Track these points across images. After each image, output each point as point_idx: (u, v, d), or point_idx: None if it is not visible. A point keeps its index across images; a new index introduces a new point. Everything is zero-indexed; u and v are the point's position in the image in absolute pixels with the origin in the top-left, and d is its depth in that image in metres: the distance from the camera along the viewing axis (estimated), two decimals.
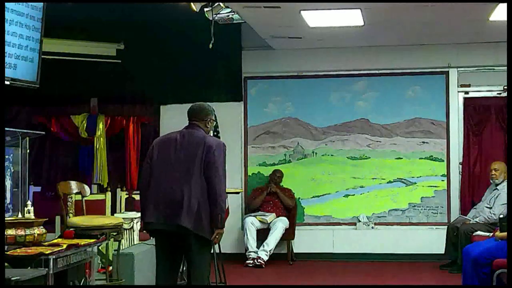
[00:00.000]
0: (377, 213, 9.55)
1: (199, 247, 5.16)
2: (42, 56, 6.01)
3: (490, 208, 8.34)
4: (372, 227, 9.50)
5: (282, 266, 8.92)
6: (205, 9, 7.14)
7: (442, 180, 9.45)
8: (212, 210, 5.12)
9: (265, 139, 9.77)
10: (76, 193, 7.48)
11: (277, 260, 9.04)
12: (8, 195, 5.57)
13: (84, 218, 6.60)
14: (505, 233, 6.28)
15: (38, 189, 9.42)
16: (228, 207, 9.50)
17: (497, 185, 8.47)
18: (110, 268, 6.70)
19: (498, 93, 9.33)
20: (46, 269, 4.25)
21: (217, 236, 5.18)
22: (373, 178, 9.60)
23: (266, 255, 8.91)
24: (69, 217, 7.73)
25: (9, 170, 5.63)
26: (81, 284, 4.92)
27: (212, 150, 5.18)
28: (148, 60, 9.43)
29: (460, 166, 9.40)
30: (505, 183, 8.37)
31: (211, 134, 6.24)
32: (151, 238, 5.24)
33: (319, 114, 9.69)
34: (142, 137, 9.58)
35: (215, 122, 5.74)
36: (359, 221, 9.53)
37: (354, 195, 9.62)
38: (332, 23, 8.05)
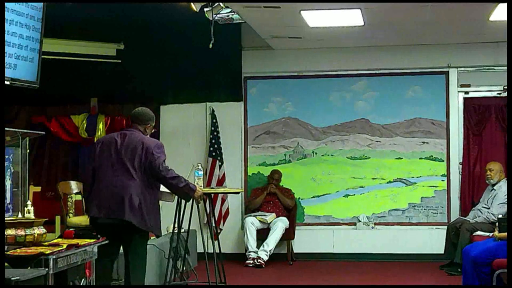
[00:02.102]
0: (377, 213, 9.55)
1: (140, 238, 5.76)
2: (42, 56, 5.99)
3: (488, 208, 8.35)
4: (372, 227, 9.50)
5: (282, 266, 8.92)
6: (205, 9, 7.14)
7: (442, 180, 9.45)
8: (176, 190, 5.88)
9: (265, 139, 9.77)
10: (76, 193, 7.48)
11: (277, 260, 9.05)
12: (8, 195, 5.56)
13: (84, 218, 6.60)
14: (504, 233, 6.29)
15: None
16: (228, 207, 9.55)
17: (493, 185, 8.48)
18: None
19: (498, 93, 9.33)
20: (46, 269, 4.25)
21: (199, 199, 6.19)
22: (373, 178, 9.61)
23: (266, 255, 8.91)
24: (69, 217, 7.74)
25: (9, 170, 5.62)
26: (81, 284, 4.92)
27: (150, 150, 5.69)
28: (148, 60, 9.43)
29: (460, 166, 9.40)
30: (501, 183, 8.40)
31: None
32: (95, 232, 5.56)
33: (319, 114, 9.69)
34: None
35: (153, 130, 6.19)
36: (359, 221, 9.53)
37: (354, 195, 9.63)
38: (332, 23, 8.05)
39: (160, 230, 5.95)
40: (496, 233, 6.50)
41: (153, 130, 6.15)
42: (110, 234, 5.53)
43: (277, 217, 9.21)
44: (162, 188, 6.25)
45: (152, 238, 7.67)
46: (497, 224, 6.74)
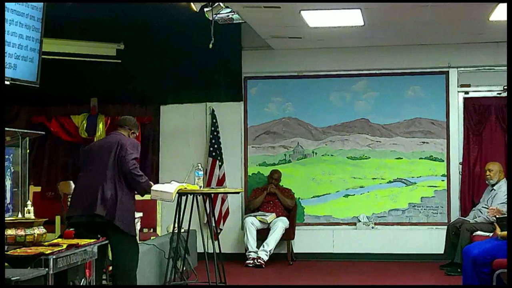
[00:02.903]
0: (377, 213, 9.55)
1: (118, 237, 5.78)
2: (42, 56, 6.00)
3: (488, 208, 8.34)
4: (372, 227, 9.50)
5: (282, 266, 8.92)
6: (205, 9, 7.14)
7: (442, 180, 9.45)
8: (137, 185, 5.89)
9: (265, 139, 9.77)
10: None
11: (277, 260, 9.05)
12: (8, 195, 5.56)
13: None
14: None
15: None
16: (228, 207, 9.55)
17: (493, 185, 8.48)
18: (110, 268, 6.70)
19: (498, 93, 9.33)
20: (46, 269, 4.24)
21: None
22: (373, 178, 9.61)
23: (266, 255, 8.91)
24: None
25: (9, 170, 5.62)
26: (81, 284, 4.92)
27: (124, 147, 5.85)
28: (148, 60, 9.43)
29: (460, 166, 9.40)
30: (501, 183, 8.39)
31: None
32: (75, 232, 5.56)
33: (319, 114, 9.69)
34: (142, 137, 9.56)
35: (135, 139, 6.31)
36: (359, 221, 9.53)
37: (354, 195, 9.63)
38: (332, 23, 8.05)
39: (132, 228, 5.97)
40: (498, 231, 6.47)
41: (135, 138, 6.27)
42: (88, 233, 5.62)
43: (277, 217, 9.21)
44: (159, 188, 6.25)
45: (152, 238, 7.67)
46: (495, 223, 6.73)
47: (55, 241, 4.91)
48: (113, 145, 5.91)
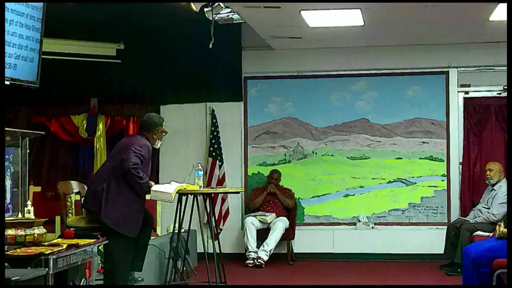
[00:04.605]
0: (377, 213, 9.55)
1: (107, 234, 5.71)
2: (42, 56, 6.00)
3: (488, 208, 8.34)
4: (372, 227, 9.50)
5: (282, 266, 8.92)
6: (205, 9, 7.15)
7: (442, 180, 9.45)
8: (135, 184, 5.92)
9: (265, 139, 9.77)
10: (76, 193, 7.47)
11: (277, 260, 9.05)
12: (8, 195, 5.57)
13: (77, 218, 6.61)
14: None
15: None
16: (228, 207, 9.55)
17: (493, 185, 8.48)
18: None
19: (498, 93, 9.33)
20: (46, 269, 4.24)
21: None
22: (373, 178, 9.60)
23: (266, 255, 8.91)
24: (69, 217, 7.73)
25: (9, 170, 5.62)
26: (81, 284, 4.92)
27: (131, 146, 5.95)
28: (148, 60, 9.43)
29: (460, 166, 9.40)
30: (501, 183, 8.40)
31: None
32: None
33: (319, 114, 9.69)
34: None
35: (164, 133, 6.42)
36: (359, 221, 9.53)
37: (354, 195, 9.63)
38: (332, 23, 8.05)
39: (127, 228, 5.98)
40: (502, 227, 6.42)
41: (164, 133, 6.38)
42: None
43: (277, 217, 9.21)
44: (159, 188, 6.25)
45: (152, 238, 7.66)
46: (502, 223, 6.70)
47: (55, 241, 4.91)
48: (124, 147, 6.05)
